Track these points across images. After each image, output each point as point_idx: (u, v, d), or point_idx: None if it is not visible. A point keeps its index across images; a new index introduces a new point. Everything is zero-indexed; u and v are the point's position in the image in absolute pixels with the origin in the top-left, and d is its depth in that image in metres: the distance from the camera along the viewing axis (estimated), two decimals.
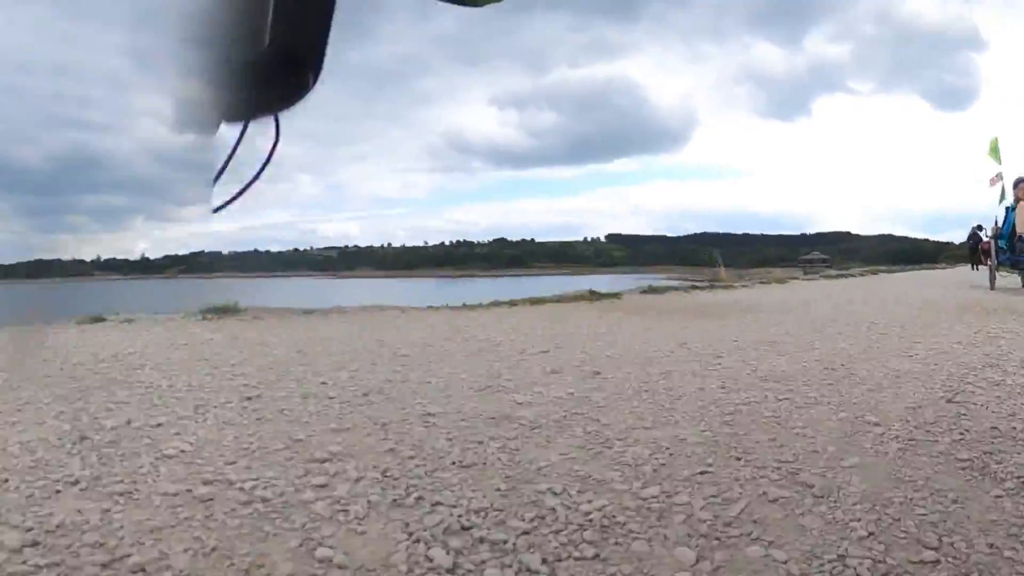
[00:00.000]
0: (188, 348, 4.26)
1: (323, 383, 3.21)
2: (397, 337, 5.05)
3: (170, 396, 2.88)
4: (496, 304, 8.03)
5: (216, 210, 0.54)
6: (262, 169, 0.54)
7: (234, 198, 0.54)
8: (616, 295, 9.04)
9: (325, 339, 4.98)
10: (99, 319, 5.74)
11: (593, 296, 8.51)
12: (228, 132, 0.53)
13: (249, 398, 2.85)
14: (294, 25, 0.49)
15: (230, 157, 0.50)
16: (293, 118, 0.52)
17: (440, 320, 6.42)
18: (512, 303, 8.00)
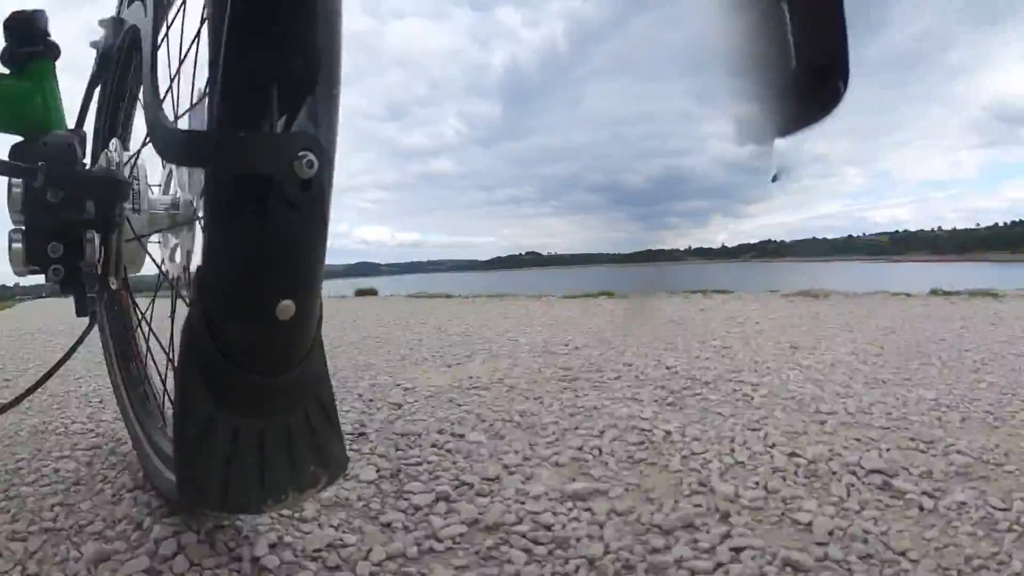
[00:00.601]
0: None
1: None
2: None
3: None
4: None
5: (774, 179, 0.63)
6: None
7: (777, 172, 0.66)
8: None
9: None
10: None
11: None
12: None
13: None
14: (813, 43, 0.53)
15: (781, 174, 0.96)
16: (835, 119, 0.58)
17: None
18: None
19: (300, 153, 0.61)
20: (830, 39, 0.53)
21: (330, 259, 0.71)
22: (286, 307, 0.65)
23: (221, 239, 0.67)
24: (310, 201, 0.64)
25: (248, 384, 0.70)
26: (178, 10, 0.96)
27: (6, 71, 0.99)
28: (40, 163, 0.87)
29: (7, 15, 0.98)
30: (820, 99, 0.55)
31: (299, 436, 0.75)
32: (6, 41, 0.99)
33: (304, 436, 0.76)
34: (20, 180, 0.90)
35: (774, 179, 0.60)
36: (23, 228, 0.90)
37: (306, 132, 0.63)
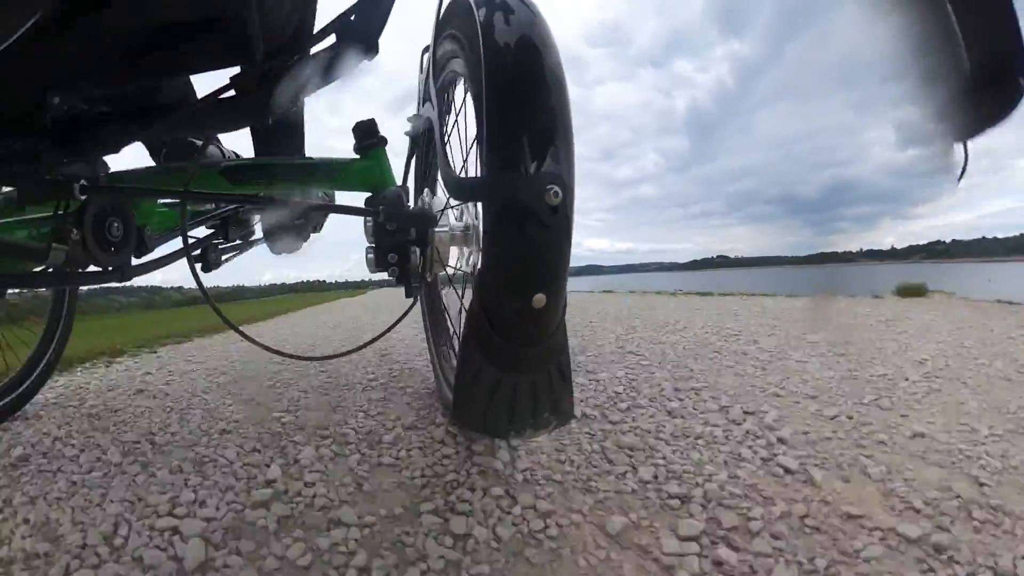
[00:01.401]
0: None
1: None
2: None
3: None
4: None
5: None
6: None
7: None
8: None
9: None
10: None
11: None
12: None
13: None
14: (986, 40, 0.47)
15: (963, 172, 0.51)
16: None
17: None
18: None
19: (548, 187, 0.72)
20: (1004, 34, 0.47)
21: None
22: (539, 298, 0.76)
23: (494, 250, 0.78)
24: (557, 222, 0.74)
25: (508, 350, 0.82)
26: (452, 104, 1.24)
27: (357, 156, 1.30)
28: (381, 207, 1.14)
29: (354, 124, 1.33)
30: (1000, 99, 0.48)
31: (541, 390, 0.86)
32: (355, 138, 1.31)
33: (545, 391, 0.87)
34: (371, 218, 1.17)
35: (960, 178, 0.54)
36: (374, 246, 1.16)
37: (551, 171, 0.74)
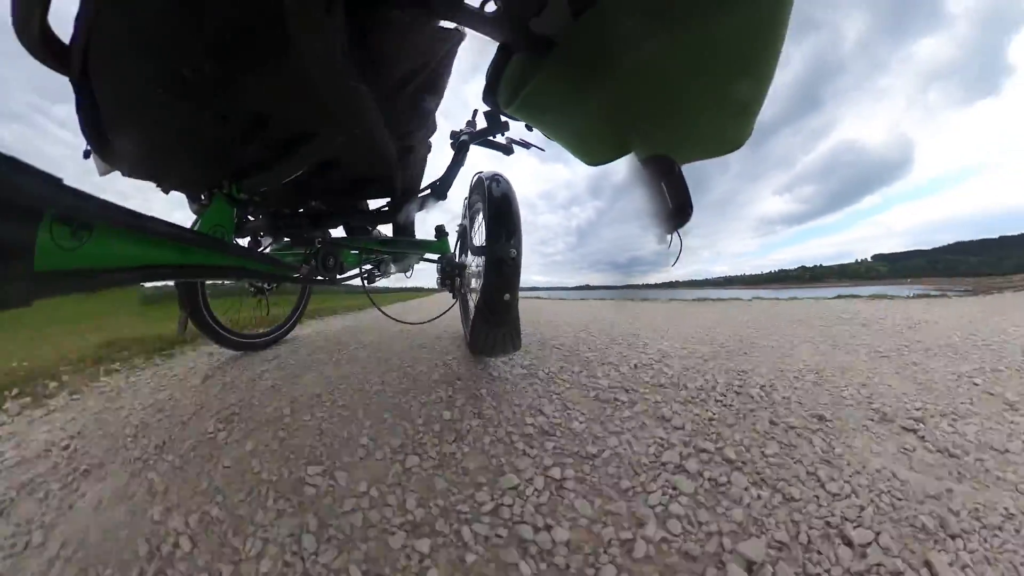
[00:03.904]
0: None
1: None
2: None
3: None
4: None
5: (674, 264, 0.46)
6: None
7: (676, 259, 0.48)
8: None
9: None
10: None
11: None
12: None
13: None
14: (676, 197, 0.43)
15: (679, 254, 0.47)
16: (691, 228, 0.46)
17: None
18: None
19: (511, 250, 0.73)
20: (683, 195, 0.50)
21: (522, 284, 0.73)
22: (507, 296, 0.75)
23: (489, 275, 0.75)
24: (516, 265, 0.74)
25: (493, 320, 0.79)
26: (473, 220, 1.14)
27: (435, 239, 1.25)
28: (444, 260, 1.15)
29: (435, 227, 1.24)
30: (682, 217, 0.50)
31: (508, 336, 0.81)
32: (435, 231, 1.26)
33: (510, 335, 0.83)
34: (440, 265, 1.18)
35: (678, 256, 0.54)
36: (440, 277, 1.17)
37: (512, 244, 0.74)
